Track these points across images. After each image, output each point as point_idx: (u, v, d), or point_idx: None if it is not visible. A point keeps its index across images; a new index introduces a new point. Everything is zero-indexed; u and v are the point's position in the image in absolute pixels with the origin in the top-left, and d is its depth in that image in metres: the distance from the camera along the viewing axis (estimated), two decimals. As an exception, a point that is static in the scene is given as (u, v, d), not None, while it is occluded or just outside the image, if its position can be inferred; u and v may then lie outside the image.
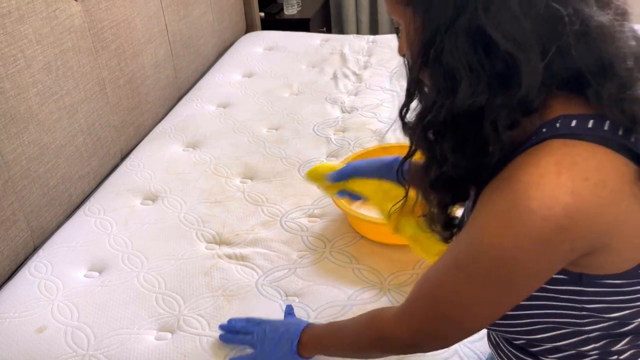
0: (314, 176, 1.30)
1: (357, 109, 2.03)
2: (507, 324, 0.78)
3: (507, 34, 0.62)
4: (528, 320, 0.76)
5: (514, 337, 0.81)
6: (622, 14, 0.68)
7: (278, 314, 1.23)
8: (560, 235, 0.64)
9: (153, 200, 1.64)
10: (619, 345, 0.75)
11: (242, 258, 1.40)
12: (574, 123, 0.66)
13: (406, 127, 0.75)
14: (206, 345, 1.18)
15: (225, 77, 2.37)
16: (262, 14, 3.17)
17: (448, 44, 0.65)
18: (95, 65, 1.72)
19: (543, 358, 0.80)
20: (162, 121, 2.07)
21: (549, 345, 0.78)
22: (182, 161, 1.81)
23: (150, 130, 2.02)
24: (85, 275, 1.39)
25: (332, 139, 1.86)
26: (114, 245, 1.46)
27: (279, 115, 2.03)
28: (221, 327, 1.19)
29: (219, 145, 1.87)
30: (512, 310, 0.74)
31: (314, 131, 1.92)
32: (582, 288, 0.71)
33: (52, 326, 1.23)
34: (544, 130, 0.68)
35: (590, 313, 0.73)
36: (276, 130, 1.96)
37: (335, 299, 1.27)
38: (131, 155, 1.87)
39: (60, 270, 1.38)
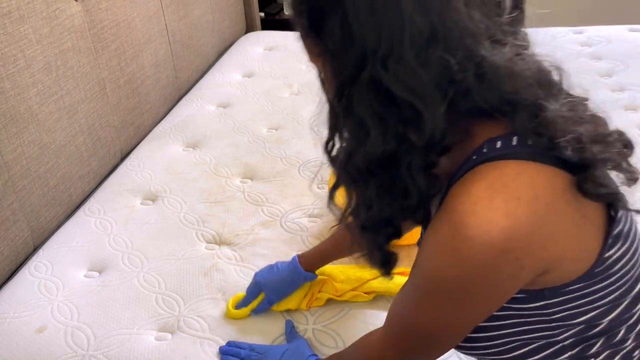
0: (239, 314, 1.25)
1: (357, 109, 2.03)
2: (481, 346, 0.79)
3: (405, 85, 0.65)
4: (500, 341, 0.77)
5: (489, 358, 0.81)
6: (523, 43, 0.71)
7: (277, 319, 1.24)
8: (503, 258, 0.66)
9: (153, 200, 1.64)
10: (594, 349, 0.76)
11: (242, 259, 1.40)
12: (499, 144, 0.69)
13: (334, 164, 0.77)
14: (207, 347, 1.18)
15: (225, 77, 2.37)
16: (262, 14, 3.17)
17: (356, 95, 0.68)
18: (95, 65, 1.72)
19: None
20: (162, 121, 2.07)
21: None
22: (182, 161, 1.81)
23: (150, 130, 2.02)
24: (85, 276, 1.39)
25: (332, 139, 1.86)
26: (114, 245, 1.46)
27: (279, 115, 2.03)
28: (222, 350, 1.16)
29: (219, 145, 1.88)
30: (483, 333, 0.76)
31: (314, 131, 1.92)
32: (547, 302, 0.72)
33: (52, 326, 1.24)
34: (473, 157, 0.70)
35: (558, 323, 0.74)
36: (276, 130, 1.96)
37: (333, 303, 1.26)
38: (131, 155, 1.87)
39: (60, 270, 1.39)
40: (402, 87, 0.65)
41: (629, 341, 0.78)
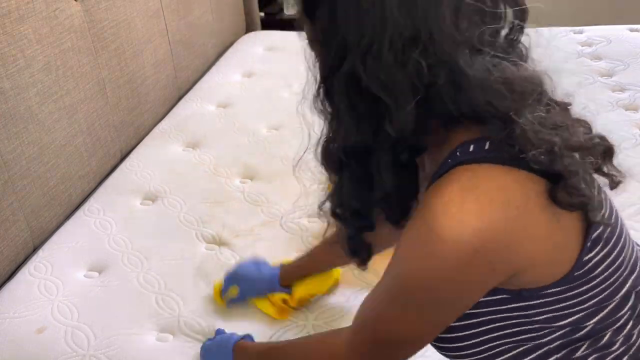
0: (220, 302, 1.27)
1: (357, 109, 2.03)
2: (468, 354, 0.78)
3: (379, 81, 0.67)
4: (487, 346, 0.77)
5: None
6: (506, 53, 0.72)
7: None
8: (475, 259, 0.67)
9: (153, 201, 1.64)
10: (579, 353, 0.76)
11: (242, 259, 1.40)
12: (471, 148, 0.70)
13: (317, 150, 0.80)
14: (206, 346, 1.18)
15: (225, 77, 2.36)
16: (262, 14, 3.16)
17: (335, 85, 0.71)
18: (95, 65, 1.72)
19: None
20: (162, 121, 2.07)
21: None
22: (182, 161, 1.81)
23: (150, 130, 2.02)
24: (85, 276, 1.39)
25: (332, 139, 1.86)
26: (114, 246, 1.46)
27: (279, 115, 2.03)
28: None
29: (219, 145, 1.87)
30: (469, 340, 0.76)
31: (314, 131, 1.91)
32: (526, 303, 0.73)
33: (52, 326, 1.23)
34: (449, 160, 0.71)
35: (542, 325, 0.74)
36: (276, 130, 1.96)
37: (334, 301, 1.27)
38: (131, 155, 1.86)
39: (60, 271, 1.38)
40: (375, 83, 0.67)
41: (617, 345, 0.77)
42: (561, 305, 0.73)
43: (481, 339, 0.76)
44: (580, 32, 2.54)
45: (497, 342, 0.76)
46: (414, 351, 0.79)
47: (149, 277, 1.36)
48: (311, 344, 0.95)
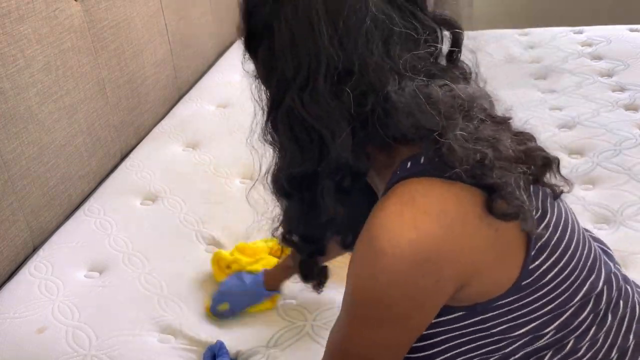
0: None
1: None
2: None
3: (317, 116, 0.71)
4: None
5: None
6: (443, 71, 0.75)
7: (275, 318, 1.23)
8: (415, 271, 0.68)
9: (153, 201, 1.63)
10: None
11: (242, 258, 1.40)
12: (409, 165, 0.73)
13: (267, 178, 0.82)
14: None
15: (225, 77, 2.36)
16: (262, 14, 3.16)
17: (278, 119, 0.75)
18: (95, 65, 1.72)
19: None
20: (162, 121, 2.07)
21: None
22: (182, 161, 1.81)
23: (150, 130, 2.02)
24: (85, 276, 1.38)
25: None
26: (114, 246, 1.46)
27: (279, 115, 2.03)
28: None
29: (219, 145, 1.87)
30: (435, 355, 0.77)
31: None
32: (482, 317, 0.74)
33: (53, 326, 1.23)
34: (392, 179, 0.74)
35: (501, 336, 0.75)
36: (276, 130, 1.95)
37: (333, 302, 1.27)
38: (131, 155, 1.86)
39: (60, 271, 1.38)
40: (311, 115, 0.71)
41: (582, 351, 0.78)
42: (515, 314, 0.74)
43: (447, 355, 0.78)
44: (580, 32, 2.54)
45: (464, 357, 0.77)
46: None
47: (150, 277, 1.35)
48: None
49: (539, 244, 0.73)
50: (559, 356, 0.77)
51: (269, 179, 0.81)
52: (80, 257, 1.43)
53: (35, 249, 1.51)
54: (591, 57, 2.31)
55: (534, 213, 0.73)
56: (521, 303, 0.74)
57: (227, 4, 2.67)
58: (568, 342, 0.77)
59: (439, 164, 0.70)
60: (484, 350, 0.77)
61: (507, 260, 0.73)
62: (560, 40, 2.48)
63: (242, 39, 0.80)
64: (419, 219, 0.68)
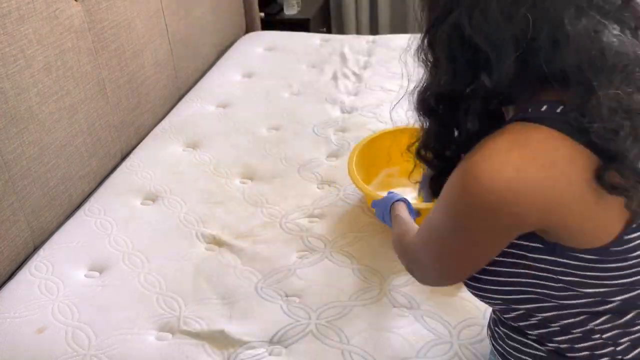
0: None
1: (357, 109, 2.03)
2: (494, 293, 0.83)
3: (484, 34, 0.70)
4: (511, 289, 0.81)
5: (503, 309, 0.85)
6: (618, 15, 0.73)
7: (278, 314, 1.24)
8: (501, 207, 0.71)
9: (153, 201, 1.64)
10: (597, 321, 0.79)
11: (241, 260, 1.40)
12: (544, 107, 0.73)
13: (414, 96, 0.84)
14: (208, 347, 1.18)
15: (225, 77, 2.37)
16: (262, 14, 3.16)
17: (438, 35, 0.75)
18: (95, 65, 1.72)
19: (530, 333, 0.85)
20: (162, 121, 2.07)
21: (534, 321, 0.82)
22: (182, 161, 1.81)
23: (150, 130, 2.02)
24: (85, 276, 1.39)
25: (332, 139, 1.86)
26: (115, 246, 1.46)
27: (279, 115, 2.03)
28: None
29: (219, 145, 1.87)
30: (498, 276, 0.80)
31: (313, 131, 1.92)
32: (555, 258, 0.75)
33: (53, 326, 1.23)
34: (520, 114, 0.75)
35: (566, 286, 0.77)
36: (276, 130, 1.96)
37: (336, 300, 1.27)
38: (131, 155, 1.87)
39: (60, 271, 1.38)
40: (480, 35, 0.70)
41: (637, 327, 0.79)
42: (589, 273, 0.75)
43: (507, 279, 0.80)
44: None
45: (522, 289, 0.79)
46: (445, 280, 0.91)
47: (150, 277, 1.36)
48: (409, 231, 1.05)
49: None
50: (615, 323, 0.79)
51: (415, 95, 0.82)
52: (81, 257, 1.43)
53: (35, 249, 1.51)
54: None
55: None
56: (601, 266, 0.74)
57: (227, 4, 2.67)
58: (628, 313, 0.78)
59: (573, 118, 0.70)
60: (543, 291, 0.78)
61: (602, 225, 0.73)
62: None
63: None
64: (525, 163, 0.69)
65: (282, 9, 3.30)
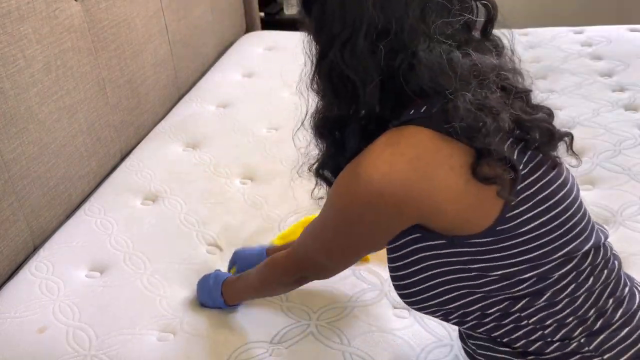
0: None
1: (357, 109, 2.03)
2: (426, 301, 0.90)
3: (353, 67, 0.82)
4: (437, 291, 0.88)
5: (441, 313, 0.92)
6: (468, 41, 0.85)
7: (279, 315, 1.24)
8: (381, 200, 0.81)
9: (153, 201, 1.64)
10: (519, 305, 0.85)
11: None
12: (412, 112, 0.83)
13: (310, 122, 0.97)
14: (209, 347, 1.18)
15: (225, 77, 2.36)
16: (262, 14, 3.16)
17: (322, 70, 0.87)
18: (95, 65, 1.72)
19: (474, 334, 0.92)
20: (162, 121, 2.07)
21: (473, 318, 0.89)
22: (182, 161, 1.81)
23: (150, 130, 2.02)
24: (86, 276, 1.38)
25: (332, 139, 1.86)
26: (115, 246, 1.46)
27: (279, 115, 2.03)
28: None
29: (219, 146, 1.87)
30: (420, 284, 0.88)
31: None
32: (457, 249, 0.84)
33: (53, 326, 1.23)
34: (395, 122, 0.86)
35: (479, 273, 0.84)
36: (276, 130, 1.96)
37: (336, 301, 1.27)
38: (131, 155, 1.86)
39: (61, 271, 1.38)
40: (349, 68, 0.83)
41: (560, 306, 0.85)
42: (491, 256, 0.83)
43: (429, 283, 0.88)
44: (580, 32, 2.54)
45: (446, 287, 0.87)
46: (331, 273, 1.06)
47: (151, 277, 1.35)
48: (256, 269, 1.15)
49: (523, 195, 0.82)
50: (536, 304, 0.85)
51: (311, 121, 0.94)
52: (81, 257, 1.43)
53: (35, 249, 1.51)
54: (591, 57, 2.31)
55: (519, 180, 0.81)
56: (497, 246, 0.82)
57: (227, 4, 2.67)
58: (545, 293, 0.84)
59: (436, 116, 0.80)
60: (463, 284, 0.86)
61: (481, 207, 0.81)
62: (560, 40, 2.48)
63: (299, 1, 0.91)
64: (395, 158, 0.80)
65: (282, 9, 3.30)
